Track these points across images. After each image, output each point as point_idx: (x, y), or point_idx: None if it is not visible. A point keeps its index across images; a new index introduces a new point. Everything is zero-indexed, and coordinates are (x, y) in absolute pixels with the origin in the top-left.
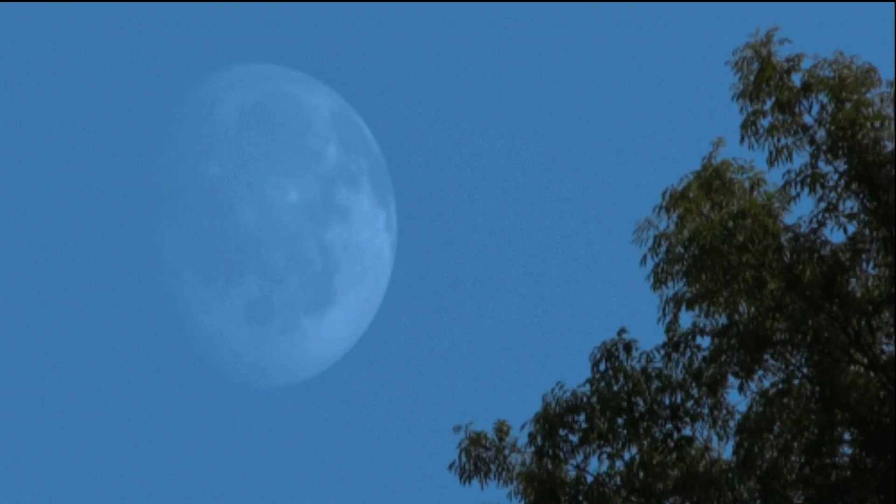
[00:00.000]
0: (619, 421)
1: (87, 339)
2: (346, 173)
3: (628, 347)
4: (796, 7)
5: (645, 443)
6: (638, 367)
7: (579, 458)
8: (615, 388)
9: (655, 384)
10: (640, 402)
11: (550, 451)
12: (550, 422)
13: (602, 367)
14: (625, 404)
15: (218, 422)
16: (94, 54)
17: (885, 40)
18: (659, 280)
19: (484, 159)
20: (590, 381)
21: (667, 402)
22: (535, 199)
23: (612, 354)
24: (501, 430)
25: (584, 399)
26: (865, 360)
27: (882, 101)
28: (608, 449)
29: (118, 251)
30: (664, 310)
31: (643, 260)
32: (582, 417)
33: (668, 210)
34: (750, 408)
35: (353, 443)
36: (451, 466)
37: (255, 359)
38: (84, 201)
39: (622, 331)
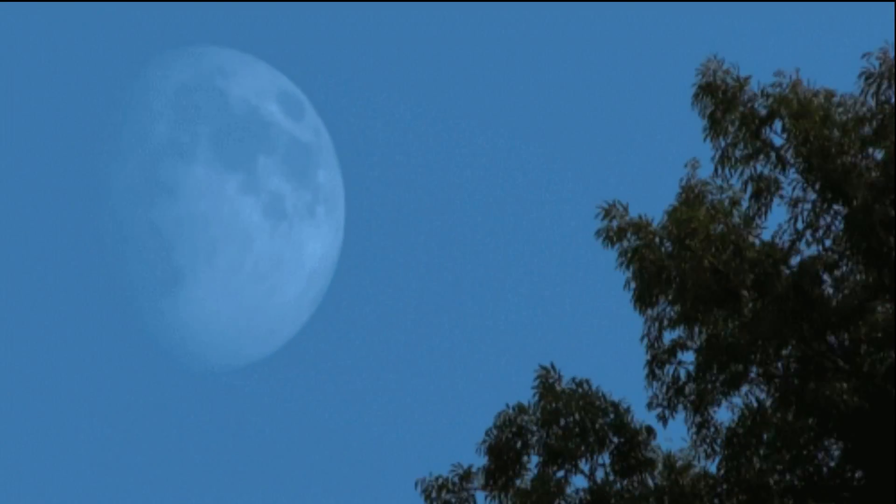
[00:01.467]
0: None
1: (26, 326)
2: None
3: (548, 374)
4: (798, 7)
5: (608, 469)
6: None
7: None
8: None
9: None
10: (589, 425)
11: (509, 481)
12: (504, 451)
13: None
14: (569, 423)
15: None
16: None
17: (884, 40)
18: (644, 303)
19: (483, 159)
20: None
21: (610, 422)
22: (535, 200)
23: (547, 384)
24: (460, 472)
25: (526, 422)
26: (848, 369)
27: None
28: (568, 466)
29: (60, 240)
30: (648, 329)
31: (626, 284)
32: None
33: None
34: (736, 423)
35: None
36: None
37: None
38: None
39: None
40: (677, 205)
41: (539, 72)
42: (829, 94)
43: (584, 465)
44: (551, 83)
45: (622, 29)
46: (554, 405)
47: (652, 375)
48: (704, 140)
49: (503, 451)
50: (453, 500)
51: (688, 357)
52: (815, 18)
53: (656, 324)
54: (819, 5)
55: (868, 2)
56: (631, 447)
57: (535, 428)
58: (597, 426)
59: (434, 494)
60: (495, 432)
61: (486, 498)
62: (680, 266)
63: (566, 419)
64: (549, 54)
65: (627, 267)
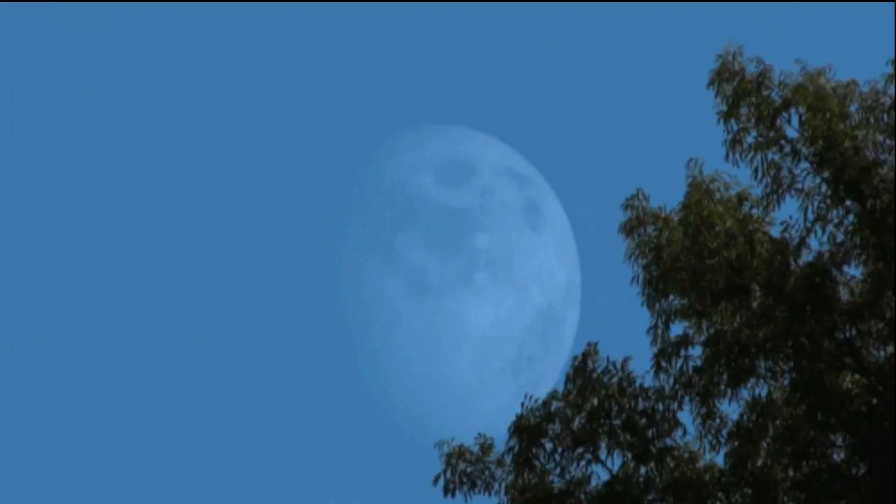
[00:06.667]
0: (596, 425)
1: (262, 393)
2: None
3: (589, 354)
4: (799, 7)
5: (629, 454)
6: (615, 381)
7: (560, 464)
8: (593, 400)
9: (629, 390)
10: (616, 409)
11: (530, 461)
12: (528, 431)
13: (575, 380)
14: (597, 405)
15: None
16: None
17: (885, 40)
18: (651, 298)
19: None
20: (562, 393)
21: (641, 409)
22: None
23: (582, 367)
24: (483, 444)
25: (558, 407)
26: (855, 365)
27: (864, 111)
28: (588, 455)
29: (310, 306)
30: (656, 323)
31: (634, 278)
32: (558, 426)
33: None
34: (742, 416)
35: None
36: (435, 480)
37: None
38: (270, 251)
39: (593, 344)
40: (692, 197)
41: (536, 71)
42: (851, 87)
43: (604, 454)
44: (549, 82)
45: (632, 27)
46: (576, 394)
47: (658, 368)
48: (718, 123)
49: (529, 432)
50: (470, 470)
51: (694, 351)
52: (814, 18)
53: (663, 316)
54: (819, 5)
55: (868, 1)
56: (656, 434)
57: (569, 413)
58: (623, 413)
59: (453, 461)
60: (524, 414)
61: (503, 474)
62: (692, 260)
63: (591, 404)
64: (547, 53)
65: (644, 257)
